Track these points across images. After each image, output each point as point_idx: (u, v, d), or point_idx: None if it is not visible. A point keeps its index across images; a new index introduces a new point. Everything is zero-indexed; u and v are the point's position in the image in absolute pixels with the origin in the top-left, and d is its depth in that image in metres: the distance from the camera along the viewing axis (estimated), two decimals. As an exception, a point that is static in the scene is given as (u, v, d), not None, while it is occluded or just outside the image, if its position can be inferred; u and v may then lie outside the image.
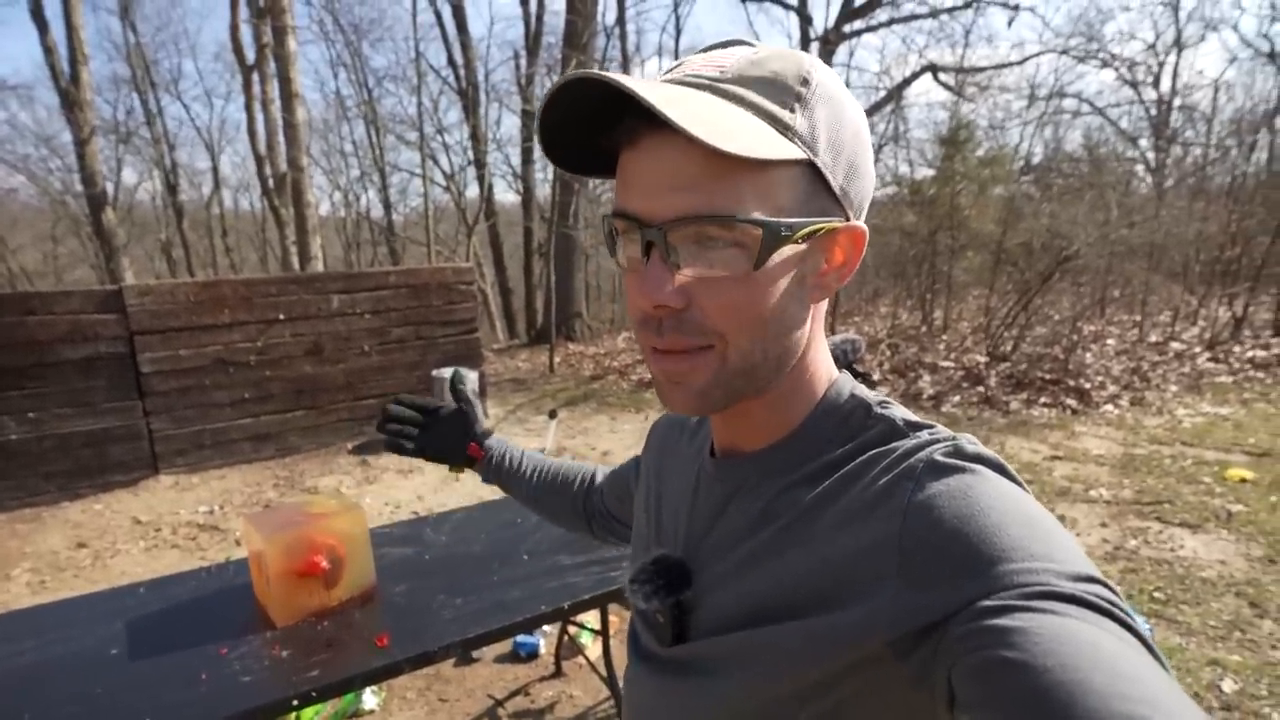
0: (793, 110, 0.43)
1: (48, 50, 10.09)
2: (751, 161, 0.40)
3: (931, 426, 0.48)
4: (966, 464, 0.42)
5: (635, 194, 0.44)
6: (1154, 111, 13.88)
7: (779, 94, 0.43)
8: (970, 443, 0.45)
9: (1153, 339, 7.62)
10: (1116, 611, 0.35)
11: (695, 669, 0.50)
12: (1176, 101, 13.51)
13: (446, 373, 5.64)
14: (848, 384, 0.53)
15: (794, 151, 0.42)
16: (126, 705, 1.21)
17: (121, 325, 4.74)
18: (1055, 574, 0.36)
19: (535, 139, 0.46)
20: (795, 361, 0.49)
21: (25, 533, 4.18)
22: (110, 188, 12.80)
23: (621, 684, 0.65)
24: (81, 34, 10.11)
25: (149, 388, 4.87)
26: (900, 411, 0.50)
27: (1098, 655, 0.31)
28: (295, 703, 1.24)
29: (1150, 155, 13.41)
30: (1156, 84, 13.80)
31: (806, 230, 0.43)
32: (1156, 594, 2.84)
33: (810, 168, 0.44)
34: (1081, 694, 0.30)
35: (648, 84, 0.41)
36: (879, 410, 0.50)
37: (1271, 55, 11.03)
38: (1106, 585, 0.37)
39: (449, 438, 0.96)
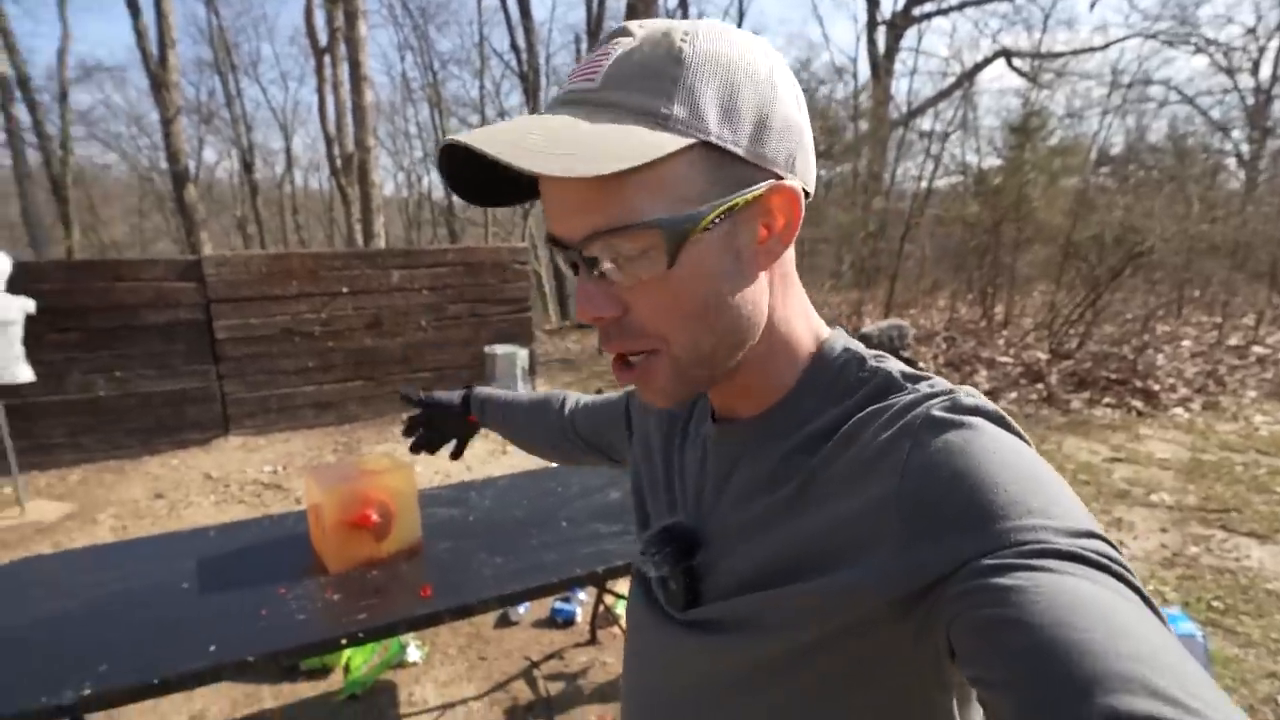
0: (668, 98, 0.41)
1: (139, 34, 10.67)
2: (638, 167, 0.40)
3: (929, 378, 0.47)
4: (964, 418, 0.42)
5: (553, 219, 0.45)
6: (1251, 101, 12.93)
7: (652, 84, 0.42)
8: (969, 395, 0.44)
9: (1233, 342, 7.17)
10: (1114, 566, 0.35)
11: (711, 629, 0.51)
12: (1278, 90, 12.55)
13: (500, 350, 5.79)
14: (840, 339, 0.52)
15: (676, 141, 0.40)
16: (196, 633, 1.33)
17: (200, 293, 5.05)
18: (1053, 530, 0.35)
19: (449, 192, 0.48)
20: (760, 333, 0.48)
21: (110, 482, 4.52)
22: (192, 165, 13.52)
23: (624, 653, 0.65)
24: (170, 18, 10.65)
25: (223, 353, 5.18)
26: (895, 364, 0.49)
27: (1095, 612, 0.31)
28: (344, 641, 1.34)
29: (1244, 148, 12.53)
30: (1255, 71, 12.85)
31: (716, 213, 0.42)
32: (1215, 603, 2.72)
33: (708, 146, 0.42)
34: (1079, 652, 0.30)
35: (508, 136, 0.41)
36: (874, 363, 0.49)
37: (1390, 38, 10.10)
38: (1104, 540, 0.36)
39: (450, 422, 1.09)
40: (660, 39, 0.43)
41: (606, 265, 0.44)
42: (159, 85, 10.85)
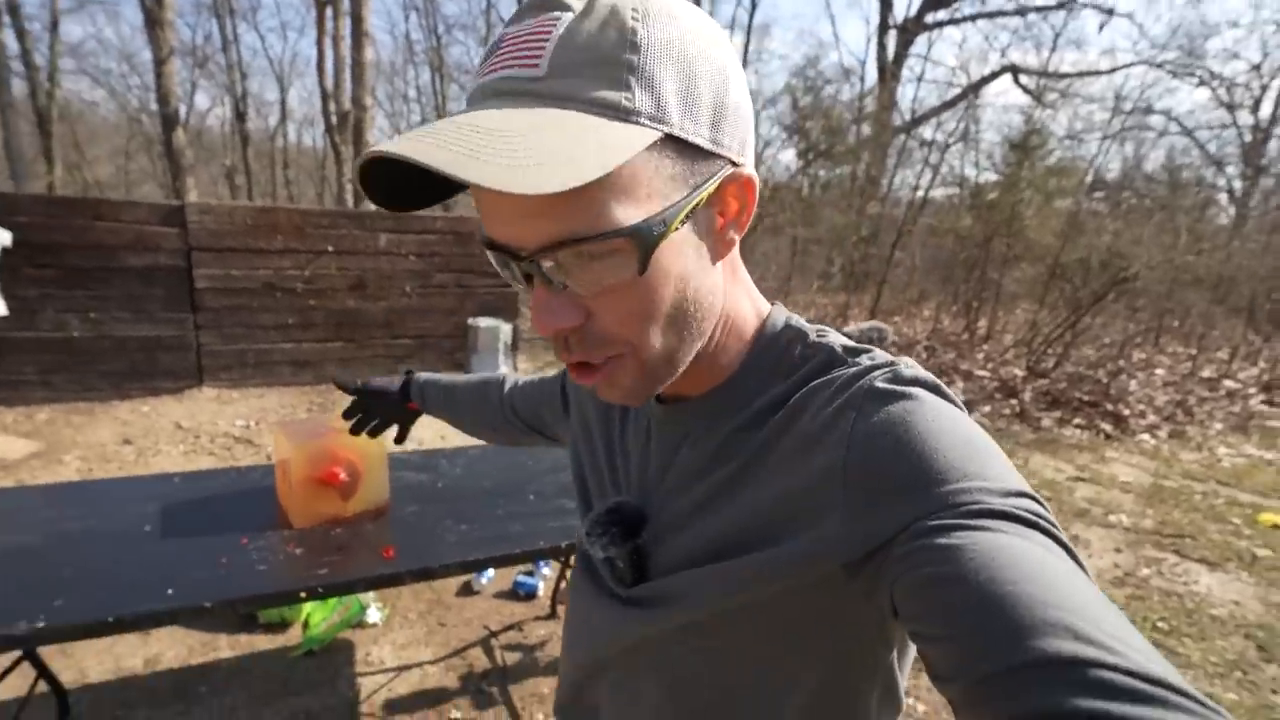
0: (627, 87, 0.38)
1: (137, -33, 10.35)
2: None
3: (869, 350, 0.48)
4: (906, 389, 0.43)
5: (497, 223, 0.41)
6: (1248, 138, 13.13)
7: (605, 71, 0.38)
8: (908, 366, 0.46)
9: (1205, 374, 7.33)
10: (1043, 523, 0.37)
11: (655, 603, 0.52)
12: (1276, 130, 12.75)
13: (483, 322, 5.76)
14: (781, 315, 0.53)
15: (642, 137, 0.38)
16: (154, 575, 1.32)
17: (181, 240, 4.96)
18: (988, 491, 0.37)
19: (363, 190, 0.41)
20: (716, 323, 0.49)
21: (79, 424, 4.46)
22: (183, 109, 13.22)
23: (567, 608, 0.65)
24: (170, -46, 10.35)
25: (201, 303, 5.10)
26: (838, 338, 0.50)
27: (1024, 566, 0.33)
28: (303, 595, 1.34)
29: (1237, 184, 12.73)
30: (1256, 109, 13.04)
31: (685, 211, 0.41)
32: (1160, 624, 2.80)
33: (670, 139, 0.39)
34: (1011, 603, 0.31)
35: (449, 137, 0.36)
36: (816, 339, 0.50)
37: (1386, 89, 10.28)
38: (1035, 499, 0.38)
39: (390, 409, 1.08)
40: (609, 17, 0.38)
41: (565, 273, 0.41)
42: (154, 23, 10.57)
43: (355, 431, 1.11)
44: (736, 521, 0.47)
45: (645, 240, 0.39)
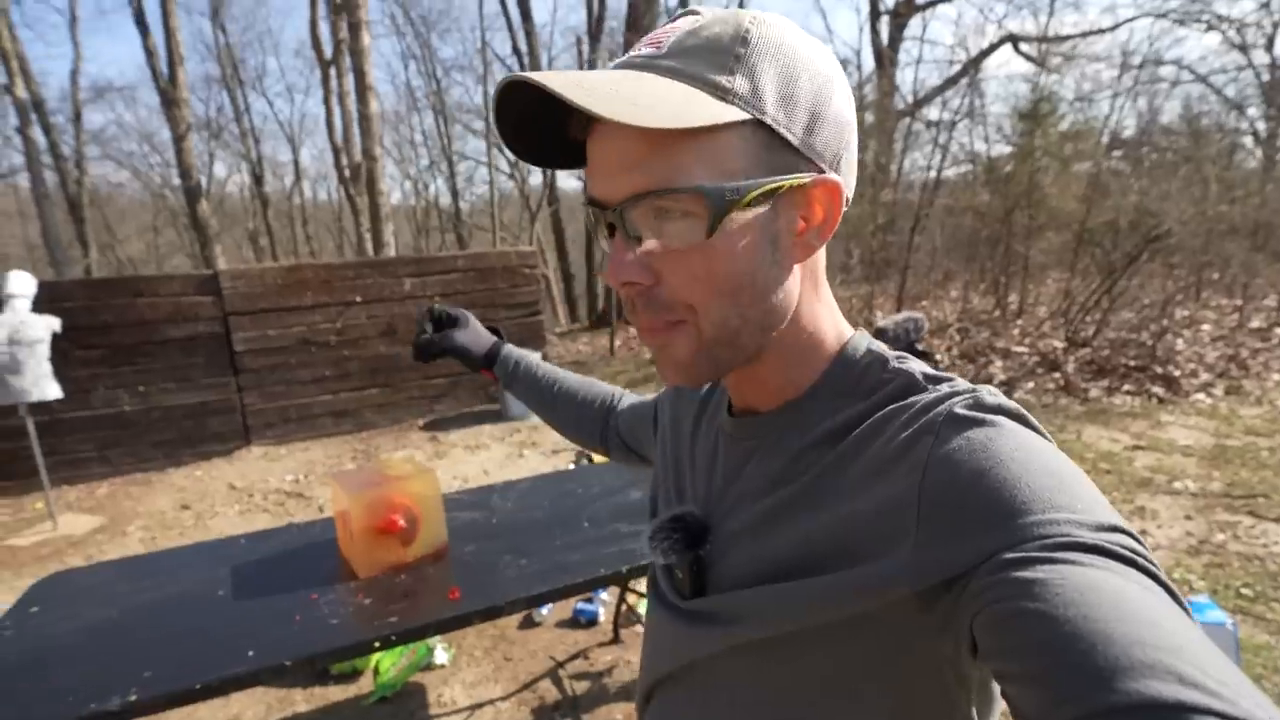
0: (731, 72, 0.42)
1: (149, 53, 10.84)
2: (693, 131, 0.40)
3: (950, 379, 0.47)
4: (987, 416, 0.42)
5: (595, 179, 0.45)
6: (1266, 77, 12.72)
7: (716, 58, 0.42)
8: (990, 394, 0.44)
9: (1255, 324, 7.07)
10: (1140, 560, 0.34)
11: (714, 619, 0.51)
12: (1294, 65, 12.34)
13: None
14: (864, 340, 0.52)
15: (734, 114, 0.41)
16: (233, 638, 1.36)
17: (217, 307, 5.12)
18: (1077, 524, 0.35)
19: (499, 141, 0.47)
20: (785, 324, 0.48)
21: (137, 495, 4.60)
22: (204, 180, 13.72)
23: (644, 629, 0.65)
24: (178, 36, 10.82)
25: (242, 365, 5.25)
26: (918, 365, 0.49)
27: (1120, 604, 0.31)
28: (376, 644, 1.36)
29: (1260, 125, 12.34)
30: (1270, 47, 12.63)
31: (759, 191, 0.42)
32: (1244, 590, 2.69)
33: (761, 127, 0.43)
34: (1104, 641, 0.29)
35: (571, 77, 0.41)
36: (896, 364, 0.49)
37: None
38: (1130, 534, 0.36)
39: (470, 349, 0.99)
40: (728, 18, 0.44)
41: (644, 228, 0.44)
42: (169, 102, 11.02)
43: (419, 356, 1.02)
44: (801, 542, 0.46)
45: (715, 202, 0.42)
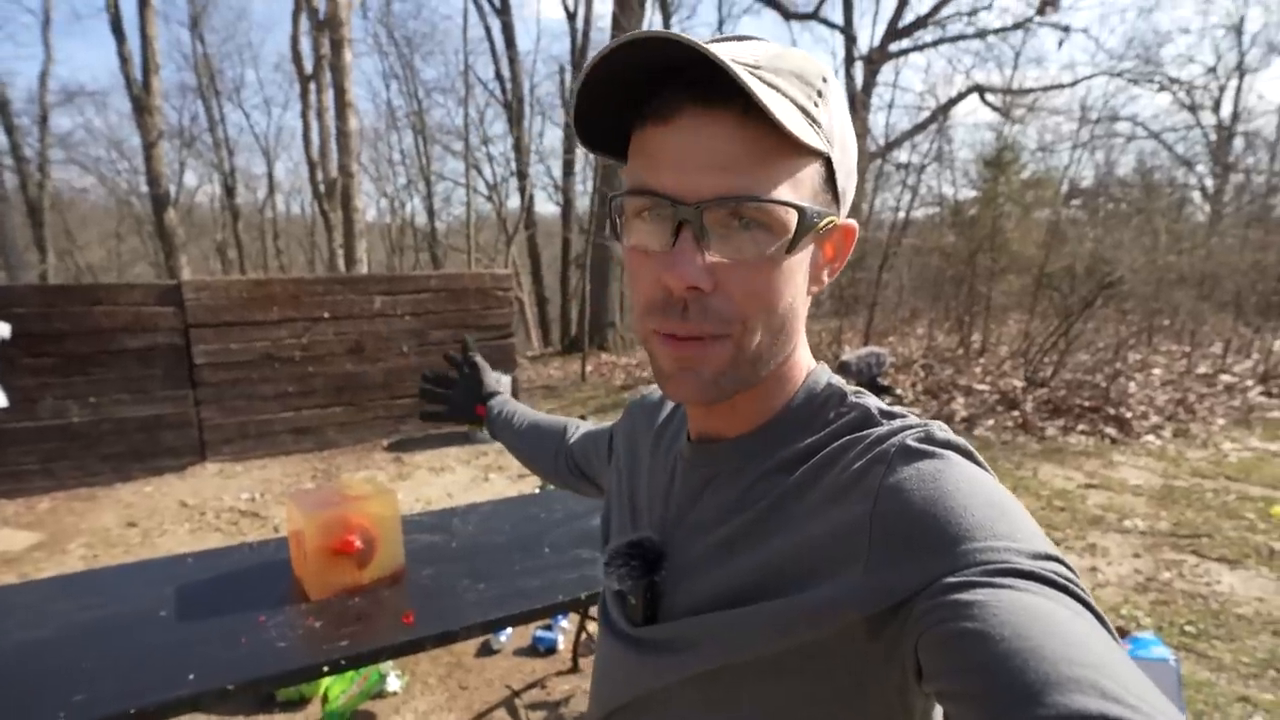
0: (816, 105, 0.44)
1: (123, 59, 10.69)
2: (787, 148, 0.41)
3: (904, 414, 0.49)
4: (937, 449, 0.44)
5: (666, 172, 0.43)
6: (1213, 137, 13.47)
7: (805, 89, 0.44)
8: (940, 429, 0.46)
9: (1202, 370, 7.37)
10: (1072, 587, 0.36)
11: (665, 647, 0.51)
12: (1238, 127, 13.10)
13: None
14: (824, 373, 0.54)
15: (821, 143, 0.43)
16: (174, 660, 1.31)
17: (179, 318, 5.00)
18: (1016, 552, 0.37)
19: (571, 104, 0.45)
20: (789, 351, 0.50)
21: (82, 510, 4.42)
22: (173, 189, 13.46)
23: (594, 657, 0.65)
24: (155, 44, 10.70)
25: (201, 378, 5.12)
26: (874, 400, 0.51)
27: (1051, 625, 0.33)
28: (325, 669, 1.33)
29: (1208, 182, 13.01)
30: (1217, 109, 13.42)
31: (826, 222, 0.45)
32: (1188, 627, 2.77)
33: (825, 163, 0.45)
34: (1035, 659, 0.31)
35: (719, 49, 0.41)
36: (853, 398, 0.51)
37: (1339, 81, 10.61)
38: (1064, 563, 0.38)
39: (466, 399, 1.10)
40: (806, 55, 0.46)
41: (719, 233, 0.43)
42: (141, 109, 10.85)
43: (425, 416, 1.13)
44: (755, 568, 0.47)
45: (805, 220, 0.43)
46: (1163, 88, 12.45)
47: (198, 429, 5.16)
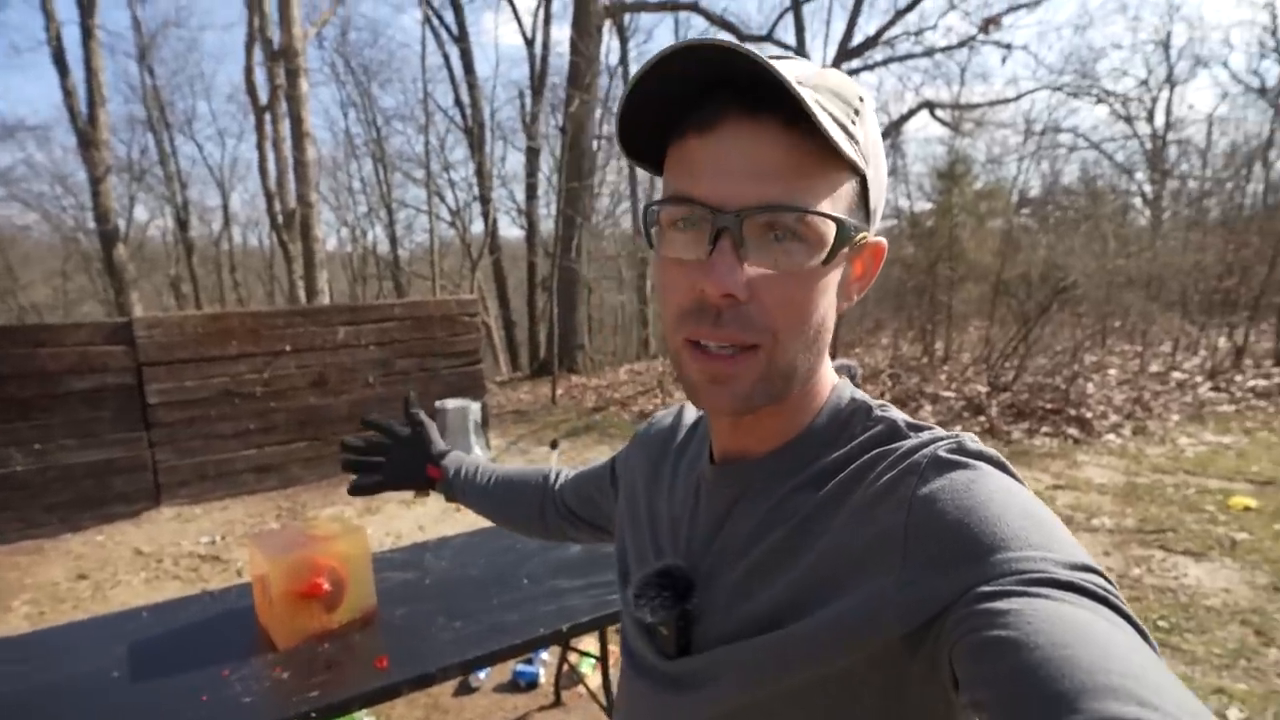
0: (854, 122, 0.44)
1: (67, 93, 10.40)
2: (828, 161, 0.42)
3: (931, 427, 0.49)
4: (969, 460, 0.44)
5: (706, 180, 0.43)
6: (1149, 146, 14.12)
7: (844, 106, 0.44)
8: (972, 440, 0.46)
9: (1154, 369, 7.63)
10: (1111, 598, 0.36)
11: (702, 680, 0.49)
12: (1171, 136, 13.76)
13: (450, 404, 5.68)
14: (848, 388, 0.54)
15: (859, 159, 0.44)
16: (128, 725, 1.22)
17: (130, 357, 4.81)
18: (1052, 562, 0.37)
19: (619, 109, 0.45)
20: (818, 365, 0.50)
21: (26, 564, 4.18)
22: (122, 224, 13.08)
23: (615, 696, 0.63)
24: (100, 76, 10.44)
25: (155, 419, 4.92)
26: (900, 414, 0.51)
27: (1088, 634, 0.32)
28: (294, 723, 1.25)
29: (1147, 188, 13.60)
30: (1150, 119, 14.08)
31: (860, 237, 0.46)
32: (1161, 622, 2.82)
33: (860, 180, 0.46)
34: (1070, 668, 0.31)
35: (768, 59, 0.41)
36: (879, 412, 0.51)
37: (1262, 90, 11.27)
38: (1102, 574, 0.37)
39: (409, 463, 0.94)
40: (843, 75, 0.47)
41: (757, 242, 0.43)
42: (87, 143, 10.55)
43: (354, 487, 0.95)
44: (788, 587, 0.46)
45: (843, 233, 0.43)
46: (1100, 100, 13.02)
47: (152, 472, 4.95)
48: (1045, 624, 0.33)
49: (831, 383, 0.54)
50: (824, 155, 0.42)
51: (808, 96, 0.40)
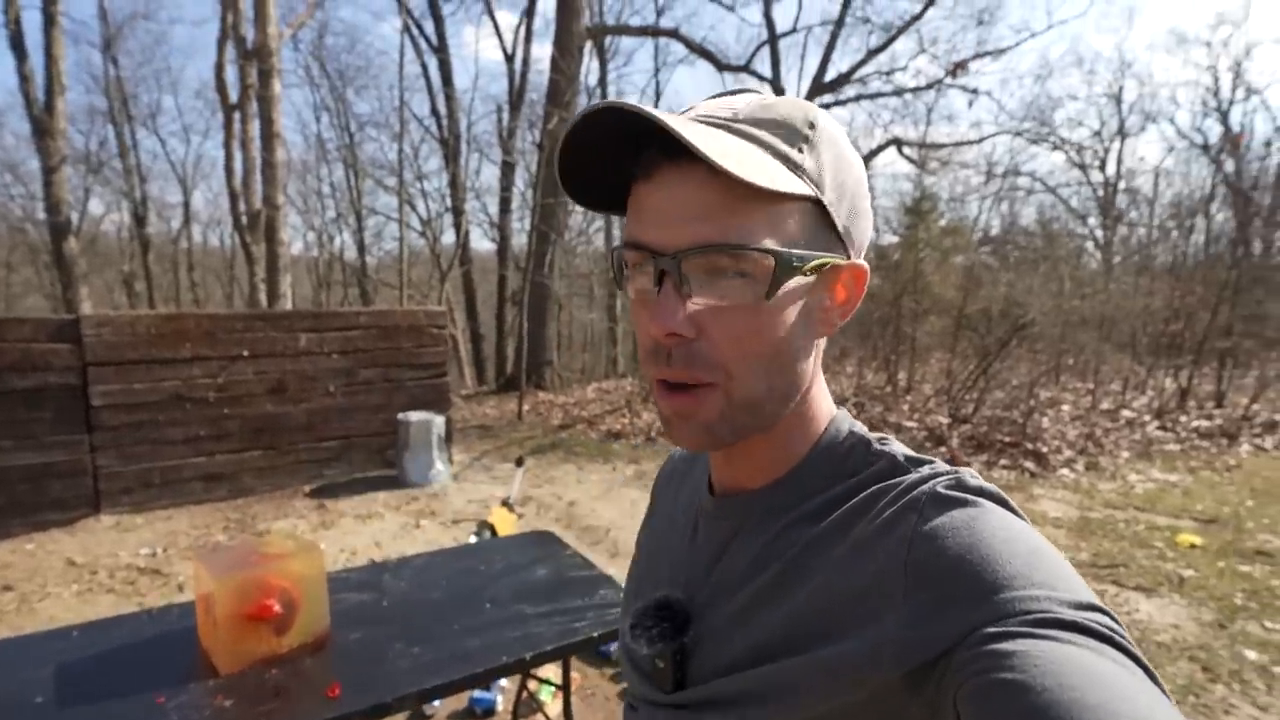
0: (800, 150, 0.44)
1: (23, 78, 10.01)
2: (764, 195, 0.41)
3: (931, 462, 0.49)
4: (969, 496, 0.43)
5: (649, 225, 0.45)
6: (1101, 192, 14.78)
7: (788, 135, 0.45)
8: (972, 476, 0.46)
9: (1105, 406, 7.90)
10: (1117, 638, 0.35)
11: (700, 711, 0.49)
12: (1121, 184, 14.43)
13: (414, 417, 5.55)
14: (846, 421, 0.53)
15: (803, 188, 0.44)
16: (50, 757, 1.13)
17: (75, 356, 4.59)
18: (1057, 602, 0.36)
19: (555, 164, 0.47)
20: (800, 396, 0.49)
21: (-54, 573, 3.91)
22: (75, 217, 12.55)
23: None
24: (60, 64, 10.09)
25: (98, 421, 4.69)
26: (900, 448, 0.50)
27: (1095, 676, 0.32)
28: (235, 756, 1.18)
29: (1099, 233, 14.21)
30: (1103, 167, 14.77)
31: (815, 263, 0.45)
32: (1114, 658, 2.87)
33: (817, 205, 0.45)
34: (1077, 710, 0.30)
35: (675, 118, 0.42)
36: (879, 446, 0.50)
37: (1205, 147, 11.91)
38: (1107, 613, 0.37)
39: None
40: (796, 103, 0.47)
41: (700, 280, 0.44)
42: (43, 132, 10.15)
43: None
44: (785, 623, 0.45)
45: (781, 266, 0.43)
46: (1056, 147, 13.63)
47: (92, 477, 4.70)
48: (1053, 666, 0.33)
49: (829, 414, 0.53)
50: (758, 190, 0.41)
51: (731, 136, 0.43)
